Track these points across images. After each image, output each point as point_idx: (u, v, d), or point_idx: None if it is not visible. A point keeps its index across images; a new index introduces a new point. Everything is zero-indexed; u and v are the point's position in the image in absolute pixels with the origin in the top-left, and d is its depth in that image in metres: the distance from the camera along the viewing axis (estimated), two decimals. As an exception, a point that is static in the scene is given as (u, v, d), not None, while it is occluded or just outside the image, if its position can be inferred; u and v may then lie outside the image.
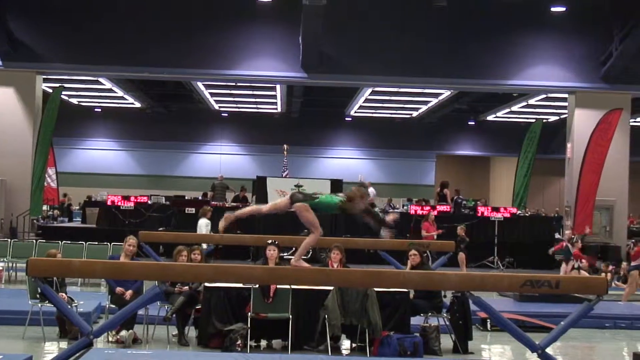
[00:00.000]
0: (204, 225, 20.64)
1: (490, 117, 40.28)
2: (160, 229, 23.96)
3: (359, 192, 10.39)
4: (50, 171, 29.24)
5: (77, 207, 33.80)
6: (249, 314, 11.64)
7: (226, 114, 42.39)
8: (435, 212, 23.89)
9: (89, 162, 42.57)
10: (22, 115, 25.60)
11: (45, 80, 27.55)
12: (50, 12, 24.75)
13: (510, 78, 25.95)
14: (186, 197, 28.25)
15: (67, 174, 37.80)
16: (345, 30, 25.21)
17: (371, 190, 26.11)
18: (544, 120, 33.49)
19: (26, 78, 25.52)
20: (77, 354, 8.58)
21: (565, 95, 27.50)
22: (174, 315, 12.07)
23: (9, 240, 19.92)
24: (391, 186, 41.73)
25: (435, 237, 22.22)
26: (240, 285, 11.60)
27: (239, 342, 11.40)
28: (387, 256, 15.06)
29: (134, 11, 25.06)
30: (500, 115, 38.98)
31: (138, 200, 26.04)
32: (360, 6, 25.18)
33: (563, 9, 24.82)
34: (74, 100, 38.28)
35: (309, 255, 23.13)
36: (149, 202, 26.25)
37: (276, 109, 39.64)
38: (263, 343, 12.17)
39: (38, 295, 11.77)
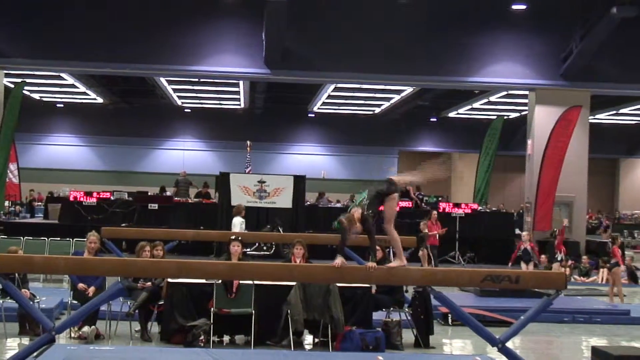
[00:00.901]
0: (238, 223, 20.68)
1: (451, 114, 40.55)
2: (123, 224, 24.08)
3: (347, 220, 9.17)
4: (12, 167, 29.10)
5: (40, 203, 33.67)
6: (212, 309, 11.66)
7: (189, 110, 42.40)
8: (434, 213, 23.70)
9: (51, 157, 42.52)
10: (-17, 111, 25.37)
11: (7, 76, 27.33)
12: (12, 7, 24.57)
13: (471, 75, 26.04)
14: (149, 193, 28.28)
15: (29, 170, 37.60)
16: (308, 27, 25.24)
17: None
18: (505, 117, 33.92)
19: (-13, 73, 25.36)
20: (40, 350, 8.75)
21: (526, 92, 27.65)
22: (137, 311, 12.03)
23: (-30, 236, 19.76)
24: (354, 182, 41.82)
25: (437, 236, 22.74)
26: (203, 281, 11.67)
27: (201, 337, 11.45)
28: (349, 252, 15.04)
29: (96, 7, 24.91)
30: (461, 112, 39.27)
31: (101, 196, 26.05)
32: (323, 3, 25.23)
33: (524, 7, 24.95)
34: (36, 96, 38.14)
35: (272, 251, 23.39)
36: (112, 197, 26.26)
37: (239, 105, 39.66)
38: (226, 338, 12.19)
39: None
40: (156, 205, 25.57)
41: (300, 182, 24.87)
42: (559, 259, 22.31)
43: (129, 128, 42.27)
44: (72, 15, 24.85)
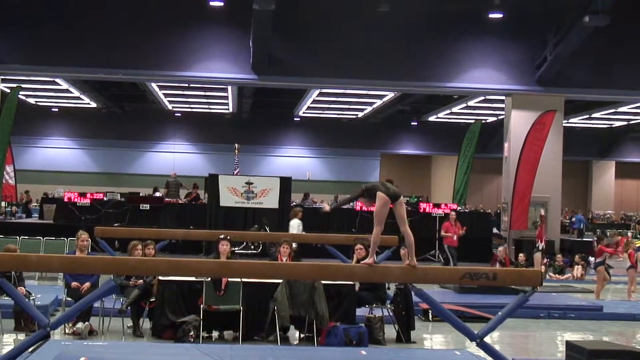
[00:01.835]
0: (295, 225, 20.58)
1: (431, 118, 40.83)
2: (116, 224, 24.19)
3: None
4: (9, 168, 28.99)
5: (35, 204, 33.72)
6: (201, 306, 11.78)
7: (179, 114, 42.59)
8: (453, 214, 23.55)
9: (46, 160, 42.71)
10: (-21, 115, 25.33)
11: (3, 81, 27.52)
12: (6, 13, 24.60)
13: (450, 81, 26.11)
14: (141, 194, 28.26)
15: (25, 172, 37.82)
16: (294, 34, 25.32)
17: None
18: (483, 121, 34.01)
19: (-17, 79, 25.36)
20: (35, 346, 8.88)
21: (503, 98, 27.73)
22: (129, 308, 12.13)
23: (-32, 236, 19.65)
24: (337, 183, 42.30)
25: (455, 238, 22.44)
26: (193, 278, 11.73)
27: (191, 333, 11.55)
28: (333, 250, 15.42)
29: (90, 14, 24.97)
30: (441, 116, 39.55)
31: (94, 197, 26.13)
32: (308, 12, 25.30)
33: (500, 15, 24.93)
34: (32, 100, 38.39)
35: (259, 250, 23.85)
36: (105, 198, 26.33)
37: (227, 109, 39.96)
38: (215, 334, 12.28)
39: (-5, 289, 11.94)
40: (147, 205, 25.66)
41: (286, 183, 24.95)
42: (540, 248, 22.33)
43: (121, 131, 42.49)
44: (66, 23, 24.91)
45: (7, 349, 9.89)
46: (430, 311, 14.44)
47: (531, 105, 26.13)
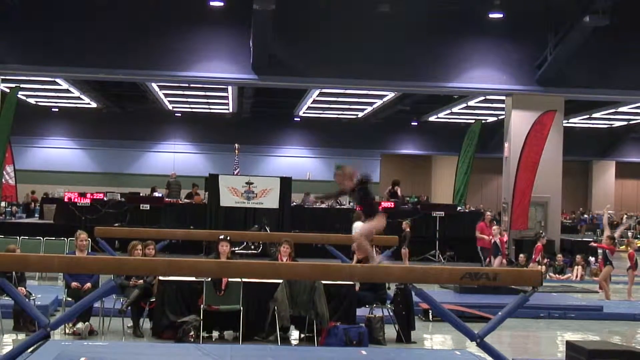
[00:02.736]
0: (358, 228, 20.57)
1: (431, 118, 40.92)
2: (116, 224, 24.14)
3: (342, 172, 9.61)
4: (9, 169, 29.13)
5: (36, 204, 33.58)
6: (202, 306, 11.77)
7: (179, 114, 42.68)
8: (488, 214, 23.12)
9: (46, 160, 42.74)
10: (-21, 115, 25.38)
11: (3, 81, 27.44)
12: (6, 13, 24.57)
13: (450, 81, 26.12)
14: (141, 194, 28.34)
15: (25, 172, 37.93)
16: (294, 34, 25.36)
17: None
18: (483, 121, 34.19)
19: (-18, 79, 25.42)
20: (35, 346, 8.81)
21: (503, 98, 27.70)
22: (129, 308, 12.14)
23: (-32, 236, 19.67)
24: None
25: (491, 241, 21.42)
26: (193, 278, 11.73)
27: (191, 333, 11.55)
28: (334, 250, 15.37)
29: (90, 14, 24.95)
30: (441, 116, 39.64)
31: (94, 197, 26.11)
32: (308, 12, 25.36)
33: (500, 15, 24.91)
34: (32, 100, 38.38)
35: (259, 250, 23.87)
36: (105, 198, 26.32)
37: (228, 109, 39.99)
38: (215, 334, 12.28)
39: (-4, 289, 11.99)
40: (147, 205, 25.59)
41: (286, 183, 25.01)
42: (537, 261, 22.21)
43: (121, 131, 42.54)
44: (66, 23, 24.89)
45: (7, 349, 9.89)
46: (430, 311, 14.39)
47: (531, 105, 26.10)
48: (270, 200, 24.52)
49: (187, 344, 11.22)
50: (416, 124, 43.39)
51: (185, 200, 27.67)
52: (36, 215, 31.32)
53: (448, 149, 42.36)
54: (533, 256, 21.74)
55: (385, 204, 26.92)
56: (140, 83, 32.53)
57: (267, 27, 22.85)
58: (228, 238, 12.67)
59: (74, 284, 12.21)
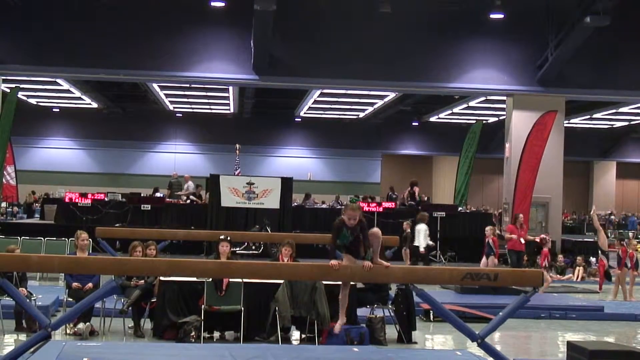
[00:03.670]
0: (422, 230, 20.48)
1: (432, 118, 40.93)
2: (117, 225, 24.12)
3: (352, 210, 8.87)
4: (10, 169, 29.22)
5: (37, 204, 33.53)
6: (202, 306, 11.71)
7: (180, 114, 42.70)
8: (521, 216, 21.85)
9: (47, 160, 42.74)
10: (-21, 115, 25.42)
11: (4, 82, 27.42)
12: (6, 13, 24.61)
13: (451, 81, 26.21)
14: (142, 194, 28.20)
15: (26, 172, 38.01)
16: (295, 34, 25.42)
17: (189, 183, 27.23)
18: (484, 122, 34.25)
19: (-17, 79, 25.48)
20: (36, 346, 8.68)
21: (504, 98, 27.78)
22: (130, 308, 12.06)
23: (-32, 236, 19.64)
24: (339, 184, 42.39)
25: (522, 242, 20.67)
26: (194, 279, 11.69)
27: (192, 333, 11.50)
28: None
29: (90, 14, 25.03)
30: (442, 116, 39.65)
31: (95, 197, 26.10)
32: (309, 13, 25.41)
33: (501, 16, 24.96)
34: (33, 101, 38.38)
35: (260, 250, 23.85)
36: (106, 199, 26.31)
37: (229, 109, 40.07)
38: (216, 334, 12.24)
39: (-3, 290, 11.85)
40: (148, 206, 25.62)
41: (287, 183, 24.86)
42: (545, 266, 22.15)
43: (122, 132, 42.60)
44: (67, 23, 25.01)
45: (8, 350, 9.83)
46: (431, 311, 14.36)
47: (532, 106, 26.19)
48: (271, 201, 24.39)
49: (188, 344, 11.20)
50: (417, 124, 43.35)
51: (193, 199, 27.53)
52: (37, 215, 31.33)
53: (449, 150, 42.39)
54: (540, 261, 21.60)
55: (386, 204, 26.95)
56: (141, 83, 32.60)
57: (268, 28, 22.91)
58: (228, 238, 12.55)
59: (75, 284, 12.18)
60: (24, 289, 11.92)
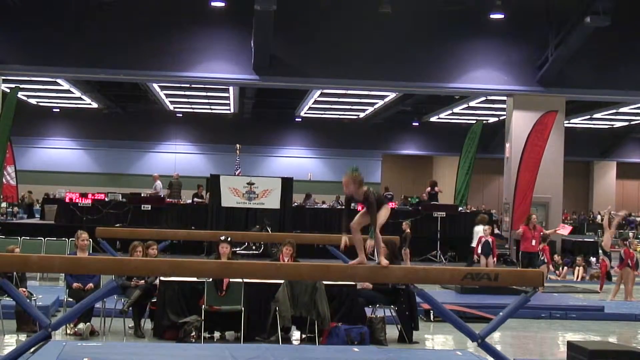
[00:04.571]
0: (481, 231, 20.18)
1: (433, 119, 41.01)
2: (117, 225, 24.06)
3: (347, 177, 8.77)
4: (10, 169, 29.14)
5: (37, 205, 33.49)
6: (203, 306, 11.70)
7: (181, 115, 42.74)
8: (534, 217, 20.37)
9: (47, 160, 42.81)
10: (-21, 115, 25.42)
11: (4, 81, 27.36)
12: (7, 13, 24.59)
13: (452, 81, 26.21)
14: (142, 195, 28.11)
15: (26, 172, 37.96)
16: (295, 35, 25.43)
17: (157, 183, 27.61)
18: (484, 122, 33.95)
19: (-17, 78, 25.50)
20: (36, 346, 8.74)
21: (504, 98, 27.79)
22: (130, 308, 12.07)
23: (-32, 237, 19.55)
24: (339, 184, 42.19)
25: (534, 243, 19.58)
26: (194, 279, 11.74)
27: (193, 333, 11.52)
28: (335, 251, 14.92)
29: (90, 14, 25.00)
30: (442, 116, 39.75)
31: (95, 198, 25.96)
32: (309, 13, 25.41)
33: (502, 16, 24.93)
34: (33, 101, 38.45)
35: (261, 250, 23.85)
36: (106, 199, 26.16)
37: (229, 109, 40.08)
38: (216, 334, 12.24)
39: (-3, 290, 11.40)
40: (149, 206, 25.54)
41: (287, 183, 24.88)
42: (544, 261, 22.10)
43: (122, 132, 42.65)
44: (67, 23, 24.97)
45: (8, 350, 9.78)
46: (431, 311, 14.35)
47: (532, 106, 26.18)
48: (272, 201, 24.43)
49: (189, 345, 11.21)
50: (417, 124, 43.39)
51: (195, 200, 27.51)
52: (37, 215, 31.24)
53: (449, 150, 42.39)
54: (545, 260, 21.55)
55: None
56: (141, 83, 32.63)
57: (268, 28, 22.92)
58: (229, 239, 12.52)
59: (75, 284, 12.17)
60: (24, 289, 11.91)
